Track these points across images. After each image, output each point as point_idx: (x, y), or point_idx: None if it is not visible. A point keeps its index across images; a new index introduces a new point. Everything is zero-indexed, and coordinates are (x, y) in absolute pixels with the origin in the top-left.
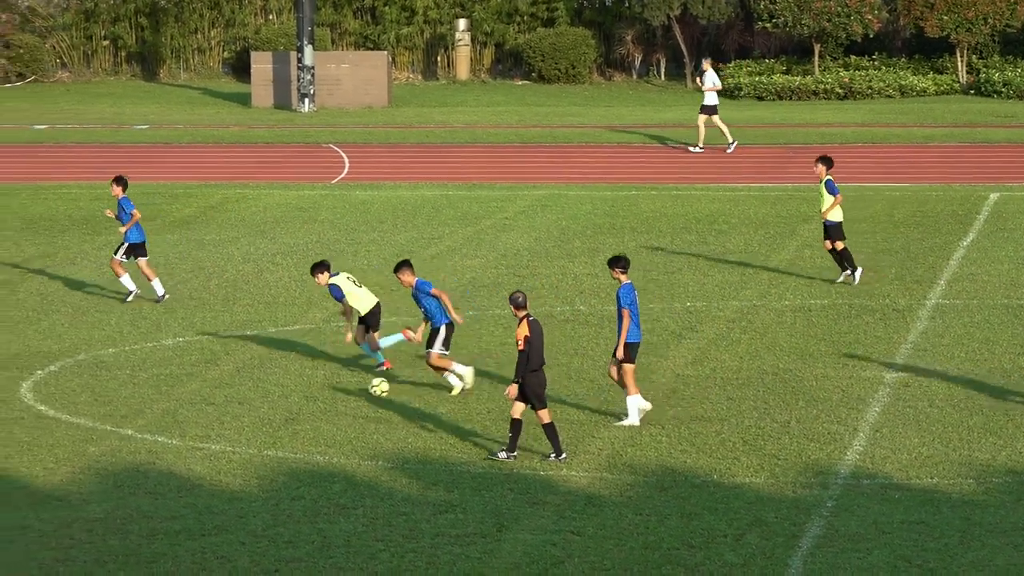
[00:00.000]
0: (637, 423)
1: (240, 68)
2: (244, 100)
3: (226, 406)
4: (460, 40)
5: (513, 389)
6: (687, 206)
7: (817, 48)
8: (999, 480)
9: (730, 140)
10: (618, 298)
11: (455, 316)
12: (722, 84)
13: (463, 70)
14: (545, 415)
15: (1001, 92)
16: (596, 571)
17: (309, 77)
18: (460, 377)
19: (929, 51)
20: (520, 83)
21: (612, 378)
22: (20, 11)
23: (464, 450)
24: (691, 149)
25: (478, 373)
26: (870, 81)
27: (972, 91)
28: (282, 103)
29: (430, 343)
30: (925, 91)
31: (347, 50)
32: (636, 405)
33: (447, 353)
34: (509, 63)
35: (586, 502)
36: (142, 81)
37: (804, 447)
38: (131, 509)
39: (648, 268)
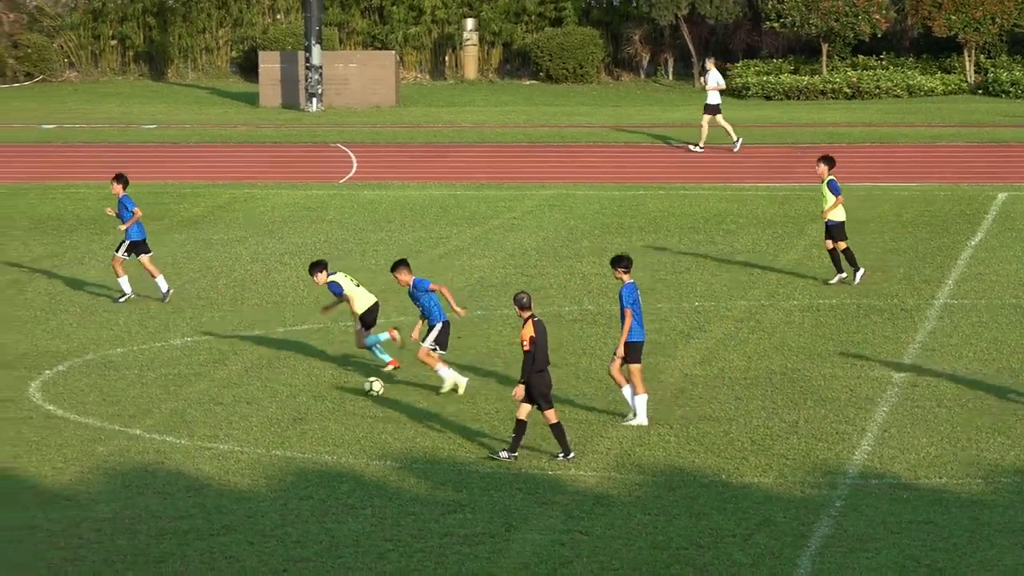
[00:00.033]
0: (646, 422)
1: (248, 68)
2: (252, 100)
3: (234, 406)
4: (468, 40)
5: (520, 390)
6: (695, 206)
7: (825, 48)
8: (1008, 480)
9: (735, 138)
10: (620, 298)
11: (457, 309)
12: (728, 84)
13: (471, 70)
14: (552, 415)
15: (1009, 92)
16: (605, 571)
17: (317, 77)
18: (444, 380)
19: (937, 51)
20: (528, 83)
21: (611, 375)
22: (28, 11)
23: (472, 450)
24: (692, 148)
25: (486, 373)
26: (878, 81)
27: (980, 91)
28: (290, 103)
29: (425, 338)
30: (933, 91)
31: (355, 50)
32: (644, 405)
33: (436, 349)
34: (517, 63)
35: (595, 502)
36: (150, 81)
37: (812, 447)
38: (140, 509)
39: (656, 268)
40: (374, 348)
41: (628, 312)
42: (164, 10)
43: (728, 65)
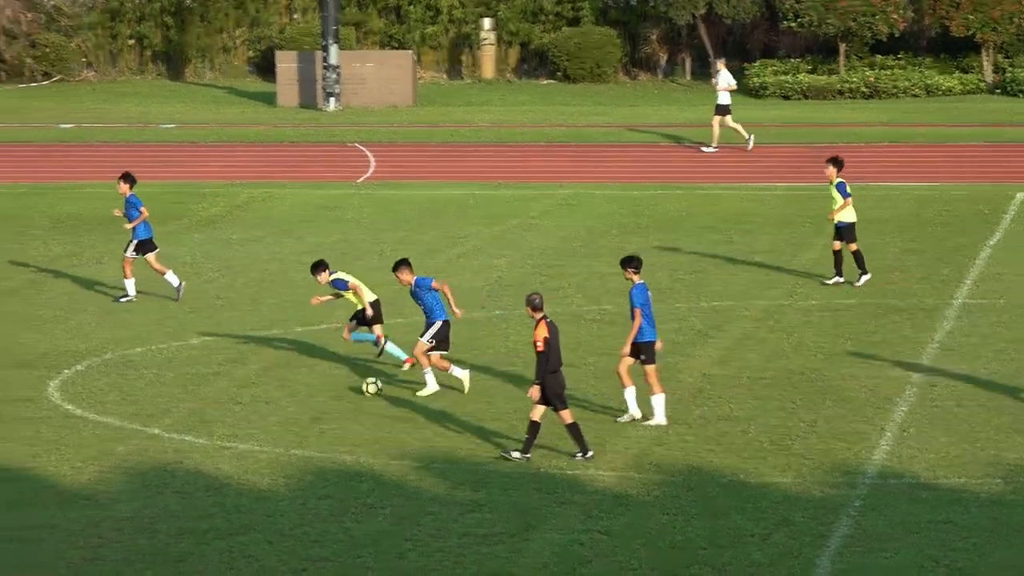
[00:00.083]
0: (664, 422)
1: (265, 67)
2: (269, 99)
3: (253, 405)
4: (485, 39)
5: (535, 390)
6: (713, 205)
7: (843, 47)
8: None
9: (747, 136)
10: (631, 297)
11: (456, 310)
12: (746, 84)
13: (488, 69)
14: (567, 415)
15: None
16: (623, 571)
17: (334, 76)
18: (428, 384)
19: (955, 50)
20: (545, 82)
21: (617, 374)
22: (46, 10)
23: (491, 450)
24: (704, 149)
25: (504, 373)
26: (896, 80)
27: (998, 90)
28: (307, 102)
29: (423, 334)
30: (951, 90)
31: (372, 49)
32: (662, 404)
33: (432, 345)
34: (534, 62)
35: (613, 501)
36: (167, 80)
37: (831, 446)
38: (159, 508)
39: (674, 268)
40: (389, 347)
41: (638, 312)
42: (182, 10)
43: (745, 65)
